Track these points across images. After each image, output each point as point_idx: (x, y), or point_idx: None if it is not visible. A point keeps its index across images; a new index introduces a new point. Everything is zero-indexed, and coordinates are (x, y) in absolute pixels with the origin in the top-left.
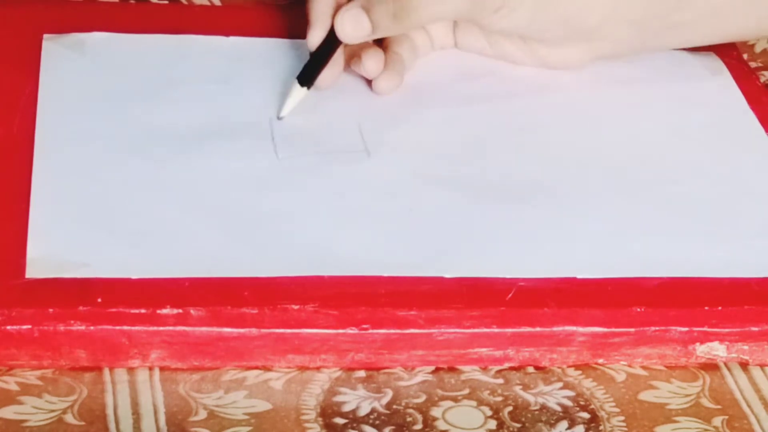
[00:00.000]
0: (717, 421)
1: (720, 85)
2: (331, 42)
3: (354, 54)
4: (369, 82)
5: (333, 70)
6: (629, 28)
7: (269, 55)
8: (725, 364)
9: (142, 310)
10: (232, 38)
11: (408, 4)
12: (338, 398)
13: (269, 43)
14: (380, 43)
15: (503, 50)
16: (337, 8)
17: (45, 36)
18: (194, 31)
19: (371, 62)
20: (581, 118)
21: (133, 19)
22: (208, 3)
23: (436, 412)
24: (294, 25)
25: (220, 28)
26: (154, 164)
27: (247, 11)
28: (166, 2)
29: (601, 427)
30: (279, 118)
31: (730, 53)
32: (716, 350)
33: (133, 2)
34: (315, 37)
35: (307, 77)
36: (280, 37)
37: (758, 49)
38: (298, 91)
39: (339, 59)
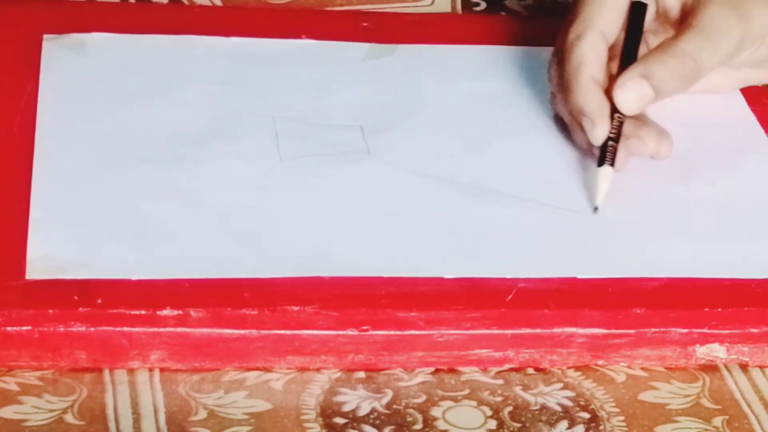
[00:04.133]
0: (717, 421)
1: None
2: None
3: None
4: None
5: (624, 149)
6: None
7: (271, 56)
8: (725, 365)
9: (142, 312)
10: (233, 39)
11: (696, 63)
12: (338, 398)
13: (270, 44)
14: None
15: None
16: (608, 92)
17: (45, 36)
18: (195, 32)
19: (653, 141)
20: None
21: (133, 20)
22: (209, 3)
23: (436, 411)
24: (294, 25)
25: (221, 28)
26: (155, 165)
27: (248, 12)
28: (167, 2)
29: (601, 427)
30: (595, 210)
31: None
32: (716, 352)
33: (134, 2)
34: (602, 133)
35: (607, 159)
36: (282, 37)
37: None
38: (607, 174)
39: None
